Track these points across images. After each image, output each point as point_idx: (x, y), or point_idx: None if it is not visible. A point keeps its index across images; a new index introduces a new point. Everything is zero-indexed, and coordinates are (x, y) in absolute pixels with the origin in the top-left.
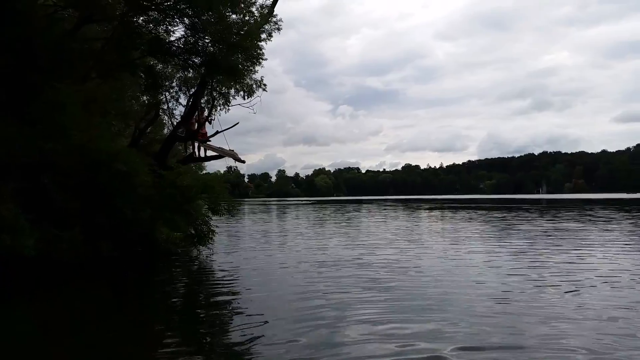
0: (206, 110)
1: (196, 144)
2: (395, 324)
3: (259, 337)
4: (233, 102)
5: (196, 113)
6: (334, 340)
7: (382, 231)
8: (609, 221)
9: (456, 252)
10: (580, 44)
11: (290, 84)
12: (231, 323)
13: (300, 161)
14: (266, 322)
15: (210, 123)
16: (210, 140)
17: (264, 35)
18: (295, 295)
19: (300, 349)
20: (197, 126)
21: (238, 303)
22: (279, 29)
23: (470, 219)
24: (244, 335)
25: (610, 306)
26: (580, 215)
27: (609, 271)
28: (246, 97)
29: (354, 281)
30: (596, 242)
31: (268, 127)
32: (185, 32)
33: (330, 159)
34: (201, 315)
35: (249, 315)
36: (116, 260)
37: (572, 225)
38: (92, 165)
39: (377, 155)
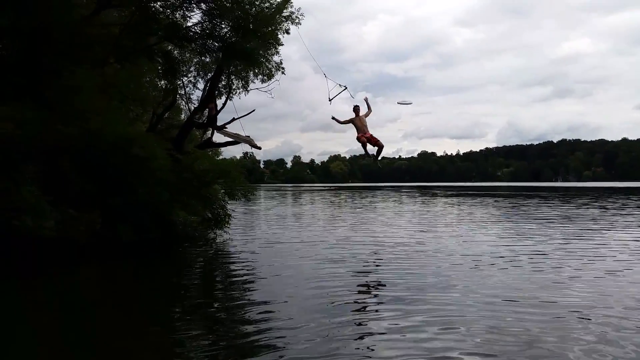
0: (224, 94)
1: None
2: (413, 307)
3: (274, 322)
4: (251, 86)
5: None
6: (352, 327)
7: (402, 217)
8: (626, 209)
9: (470, 236)
10: (602, 31)
11: (310, 71)
12: (247, 308)
13: (316, 148)
14: (282, 305)
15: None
16: (227, 127)
17: (286, 25)
18: (312, 278)
19: (317, 337)
20: (215, 111)
21: (255, 287)
22: (299, 23)
23: (488, 206)
24: (261, 320)
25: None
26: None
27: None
28: (265, 81)
29: (373, 264)
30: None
31: (285, 114)
32: (202, 17)
33: (346, 146)
34: (217, 299)
35: (266, 299)
36: (134, 243)
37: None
38: (110, 149)
39: (394, 142)
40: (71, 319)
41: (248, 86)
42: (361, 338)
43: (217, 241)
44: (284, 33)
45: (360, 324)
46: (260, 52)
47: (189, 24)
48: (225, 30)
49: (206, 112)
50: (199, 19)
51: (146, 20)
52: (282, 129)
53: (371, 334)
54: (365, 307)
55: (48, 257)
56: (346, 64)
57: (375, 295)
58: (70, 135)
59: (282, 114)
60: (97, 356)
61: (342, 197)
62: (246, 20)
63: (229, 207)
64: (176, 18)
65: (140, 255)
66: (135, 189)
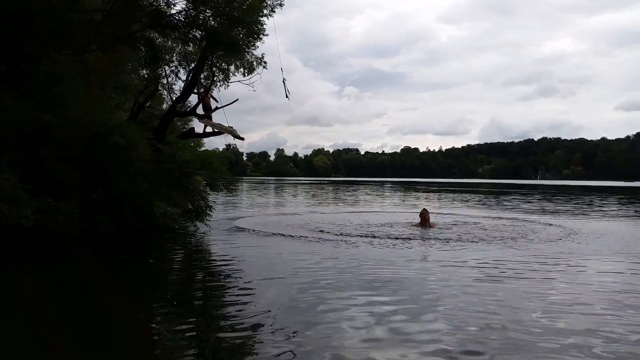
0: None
1: (194, 120)
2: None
3: (253, 311)
4: (233, 78)
5: (195, 88)
6: (333, 322)
7: (385, 210)
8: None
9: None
10: (584, 31)
11: (298, 63)
12: (226, 301)
13: (301, 141)
14: (261, 299)
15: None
16: (210, 116)
17: (266, 11)
18: (293, 272)
19: (299, 332)
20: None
21: (233, 280)
22: (281, 5)
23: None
24: (239, 313)
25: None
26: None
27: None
28: (246, 74)
29: (353, 257)
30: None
31: (272, 107)
32: (186, 5)
33: (331, 140)
34: (197, 289)
35: (246, 288)
36: (113, 234)
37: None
38: (90, 138)
39: (378, 137)
40: (47, 310)
41: (229, 79)
42: (341, 326)
43: (197, 232)
44: (270, 11)
45: (341, 311)
46: (247, 39)
47: (173, 11)
48: (210, 17)
49: (188, 102)
50: (183, 6)
51: (129, 6)
52: (268, 121)
53: (355, 322)
54: (348, 296)
55: (25, 247)
56: (334, 58)
57: (358, 285)
58: (50, 123)
59: (269, 107)
60: (75, 347)
61: (326, 191)
62: (231, 7)
63: (210, 198)
64: (160, 5)
65: (119, 247)
66: (115, 178)
